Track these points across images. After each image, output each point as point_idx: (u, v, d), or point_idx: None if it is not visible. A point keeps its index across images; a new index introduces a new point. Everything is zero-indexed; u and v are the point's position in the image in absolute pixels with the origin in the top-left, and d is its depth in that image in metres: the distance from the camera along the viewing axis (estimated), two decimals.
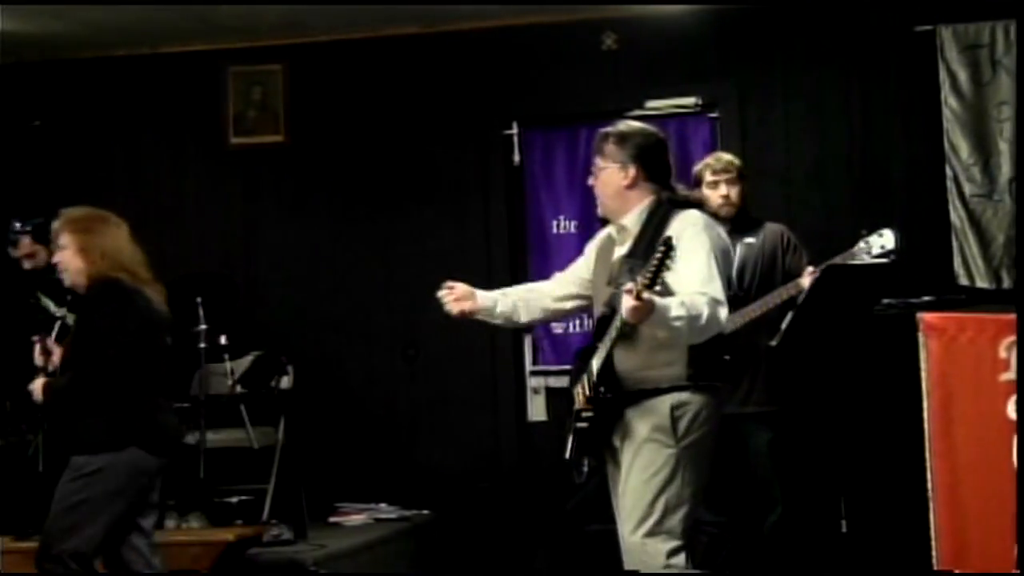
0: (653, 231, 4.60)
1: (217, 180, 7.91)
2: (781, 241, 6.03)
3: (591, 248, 4.93)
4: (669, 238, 4.24)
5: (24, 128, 7.96)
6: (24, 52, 7.66)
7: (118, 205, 7.85)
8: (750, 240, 5.96)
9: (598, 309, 4.76)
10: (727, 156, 6.12)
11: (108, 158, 8.00)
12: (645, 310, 4.25)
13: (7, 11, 6.87)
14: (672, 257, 4.20)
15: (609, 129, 4.78)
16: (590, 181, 4.81)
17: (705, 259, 4.53)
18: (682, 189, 4.84)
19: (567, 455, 4.71)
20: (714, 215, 5.98)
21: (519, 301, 4.96)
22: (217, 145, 7.87)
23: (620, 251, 4.71)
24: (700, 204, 4.80)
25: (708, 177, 6.02)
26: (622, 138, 4.73)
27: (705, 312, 4.40)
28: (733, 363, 5.38)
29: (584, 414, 4.64)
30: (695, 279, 4.47)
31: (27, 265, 6.74)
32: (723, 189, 5.98)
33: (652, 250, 4.46)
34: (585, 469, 4.74)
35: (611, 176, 4.73)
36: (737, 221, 5.99)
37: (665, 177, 4.75)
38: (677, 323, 4.35)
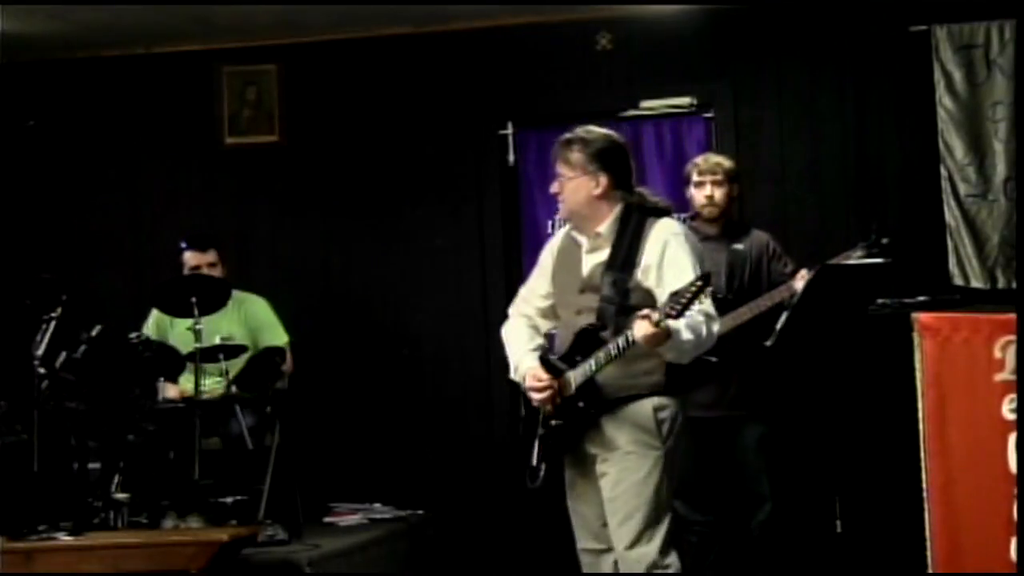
0: (630, 239, 4.64)
1: (211, 180, 7.91)
2: (767, 249, 6.07)
3: (547, 258, 4.91)
4: (708, 274, 4.31)
5: (18, 128, 7.95)
6: (18, 52, 7.65)
7: (112, 205, 7.96)
8: (738, 246, 5.99)
9: (568, 314, 4.78)
10: (716, 158, 6.16)
11: (102, 158, 8.00)
12: (662, 337, 4.33)
13: (1, 11, 6.86)
14: (706, 292, 4.31)
15: (571, 136, 4.73)
16: (553, 189, 4.77)
17: (693, 275, 4.52)
18: (649, 195, 4.84)
19: (534, 461, 4.75)
20: (697, 215, 6.04)
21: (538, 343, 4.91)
22: (211, 145, 7.86)
23: (594, 258, 4.72)
24: (668, 211, 4.80)
25: (695, 177, 6.08)
26: (587, 145, 4.69)
27: (704, 331, 4.49)
28: (720, 365, 5.48)
29: (552, 421, 4.67)
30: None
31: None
32: (707, 190, 6.03)
33: (632, 259, 4.53)
34: (541, 474, 4.78)
35: (580, 185, 4.70)
36: (726, 227, 6.03)
37: (630, 182, 4.76)
38: (687, 346, 4.45)
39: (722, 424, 5.91)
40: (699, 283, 4.26)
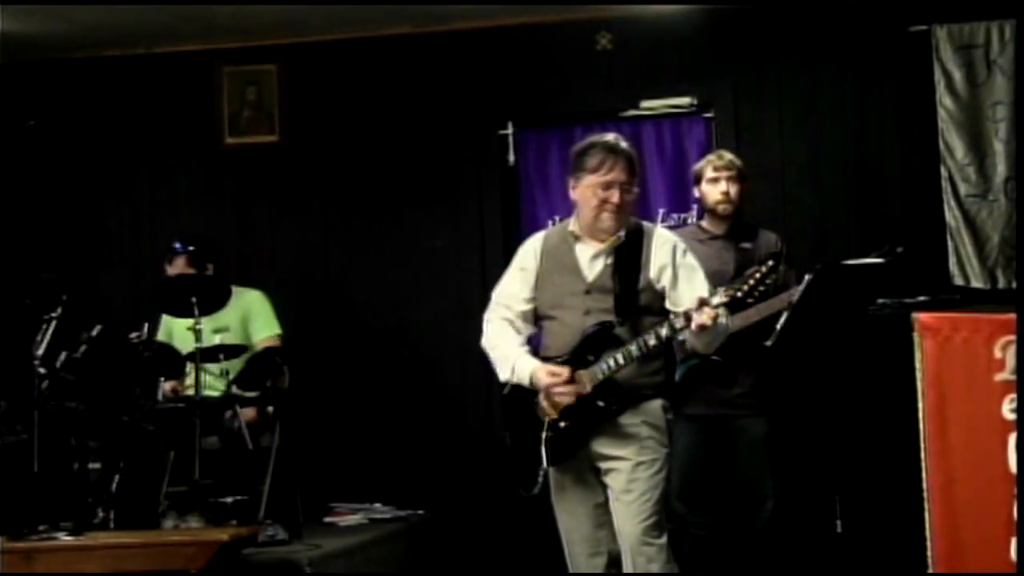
0: (632, 242, 4.76)
1: (211, 180, 7.91)
2: (776, 248, 6.02)
3: (529, 261, 4.96)
4: (778, 254, 4.50)
5: (19, 128, 7.95)
6: (19, 52, 7.65)
7: (112, 205, 7.95)
8: (746, 245, 5.95)
9: (570, 315, 4.80)
10: (729, 155, 6.12)
11: (102, 158, 8.00)
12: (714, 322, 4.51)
13: (2, 11, 6.86)
14: (771, 277, 4.58)
15: (625, 144, 4.84)
16: (615, 199, 4.76)
17: (702, 274, 4.78)
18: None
19: (546, 463, 4.76)
20: (711, 212, 6.02)
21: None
22: (211, 145, 7.86)
23: (601, 260, 4.80)
24: None
25: (709, 173, 6.01)
26: (636, 156, 4.90)
27: (726, 322, 4.71)
28: (724, 365, 5.51)
29: (561, 423, 4.69)
30: (706, 293, 4.63)
31: None
32: (723, 186, 5.98)
33: (637, 262, 4.62)
34: (540, 480, 4.79)
35: (636, 196, 4.88)
36: (735, 226, 6.00)
37: None
38: (721, 330, 4.69)
39: (726, 422, 5.91)
40: (772, 263, 4.52)
